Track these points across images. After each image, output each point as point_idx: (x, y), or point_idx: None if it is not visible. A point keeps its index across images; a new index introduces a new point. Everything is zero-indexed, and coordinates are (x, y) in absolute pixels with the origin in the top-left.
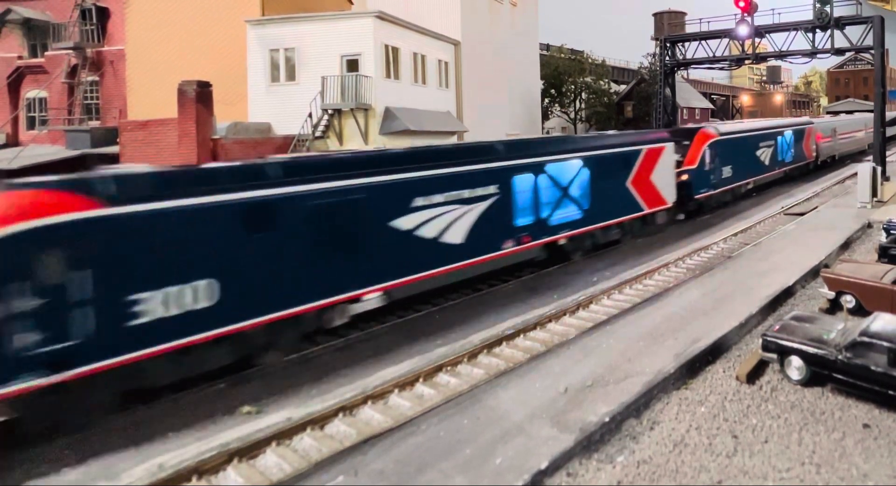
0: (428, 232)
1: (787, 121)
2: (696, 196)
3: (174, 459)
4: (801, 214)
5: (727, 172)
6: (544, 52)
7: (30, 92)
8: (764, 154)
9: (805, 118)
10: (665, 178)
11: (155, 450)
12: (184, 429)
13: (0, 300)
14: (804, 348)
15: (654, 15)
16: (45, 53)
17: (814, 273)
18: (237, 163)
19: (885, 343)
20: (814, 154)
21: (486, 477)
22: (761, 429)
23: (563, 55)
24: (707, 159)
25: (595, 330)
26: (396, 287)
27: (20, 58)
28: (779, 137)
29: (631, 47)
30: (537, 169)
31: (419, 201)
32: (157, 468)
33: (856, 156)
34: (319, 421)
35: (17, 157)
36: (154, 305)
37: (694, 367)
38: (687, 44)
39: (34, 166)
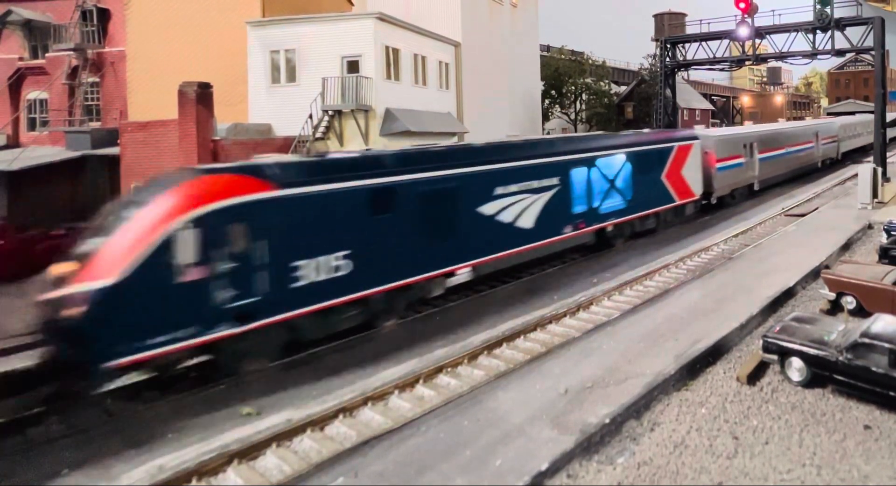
0: None
1: (611, 139)
2: (109, 364)
3: (174, 460)
4: (802, 216)
5: (310, 272)
6: (544, 53)
7: (31, 93)
8: (517, 208)
9: (687, 131)
10: None
11: (155, 451)
12: (183, 430)
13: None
14: (805, 349)
15: (655, 16)
16: (46, 55)
17: (814, 274)
18: None
19: (886, 344)
20: (698, 191)
21: (487, 479)
22: (762, 430)
23: (563, 56)
24: (175, 261)
25: (595, 331)
26: None
27: (21, 59)
28: (575, 170)
29: (631, 48)
30: None
31: None
32: (156, 470)
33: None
34: (319, 422)
35: (17, 158)
36: None
37: (694, 368)
38: (687, 45)
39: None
